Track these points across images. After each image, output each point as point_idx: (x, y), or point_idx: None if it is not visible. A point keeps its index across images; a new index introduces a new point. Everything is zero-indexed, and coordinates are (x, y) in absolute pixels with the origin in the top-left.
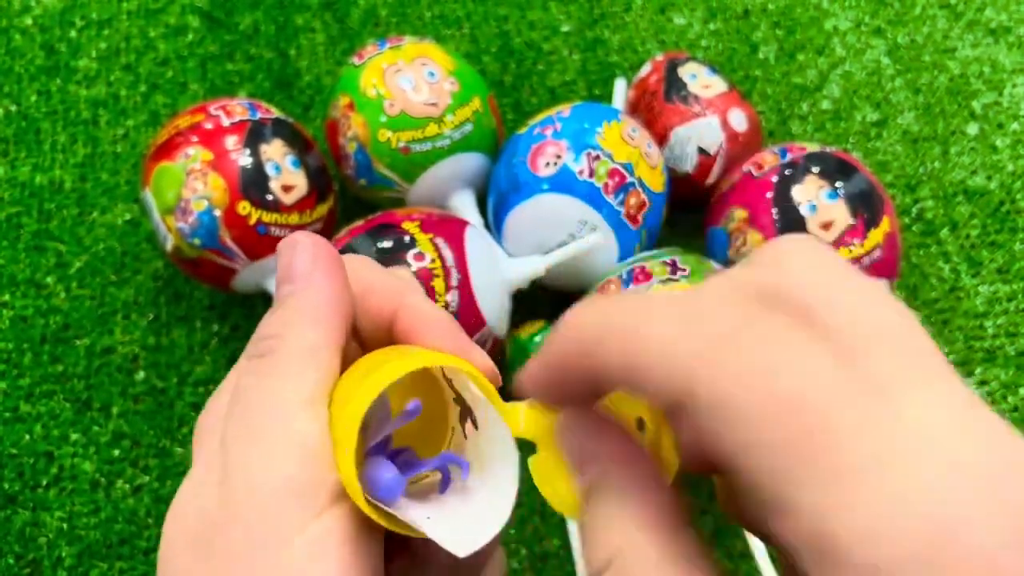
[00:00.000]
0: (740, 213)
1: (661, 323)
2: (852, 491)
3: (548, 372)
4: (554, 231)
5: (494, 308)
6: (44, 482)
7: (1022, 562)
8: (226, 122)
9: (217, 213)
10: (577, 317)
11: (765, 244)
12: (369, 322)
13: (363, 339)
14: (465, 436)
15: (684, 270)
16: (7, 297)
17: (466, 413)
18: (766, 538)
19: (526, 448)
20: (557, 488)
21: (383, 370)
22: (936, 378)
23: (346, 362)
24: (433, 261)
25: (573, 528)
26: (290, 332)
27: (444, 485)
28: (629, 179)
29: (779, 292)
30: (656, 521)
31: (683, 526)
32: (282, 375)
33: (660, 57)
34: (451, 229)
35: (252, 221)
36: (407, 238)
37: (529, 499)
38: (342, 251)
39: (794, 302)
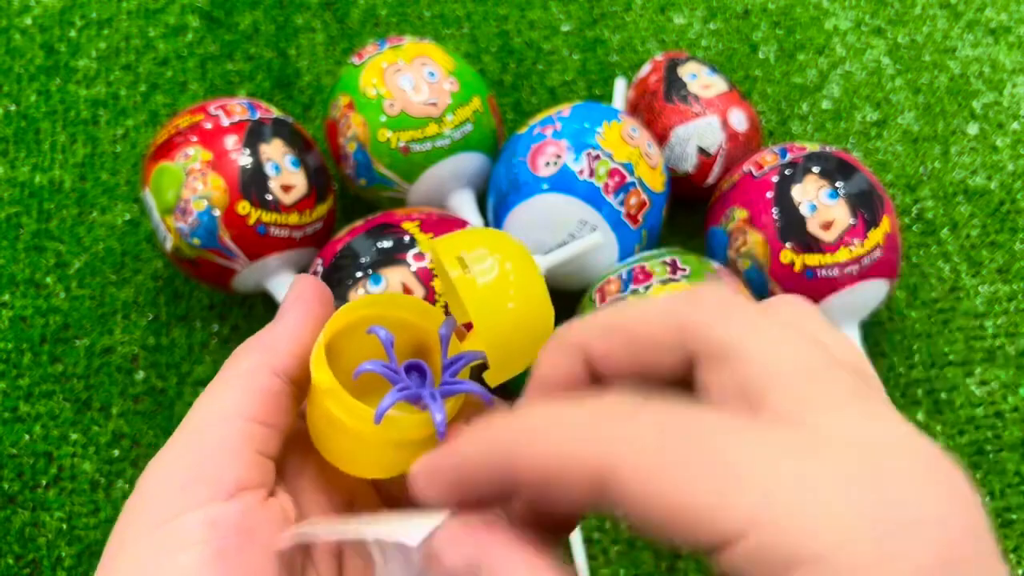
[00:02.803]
0: (740, 213)
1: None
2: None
3: (457, 475)
4: (554, 231)
5: None
6: (44, 482)
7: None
8: (226, 122)
9: (217, 213)
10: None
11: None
12: None
13: None
14: None
15: (684, 270)
16: (7, 297)
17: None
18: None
19: None
20: None
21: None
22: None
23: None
24: (433, 261)
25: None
26: (239, 357)
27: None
28: (629, 179)
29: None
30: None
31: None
32: (211, 394)
33: (660, 57)
34: (451, 229)
35: (252, 221)
36: (407, 238)
37: None
38: (342, 251)
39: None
